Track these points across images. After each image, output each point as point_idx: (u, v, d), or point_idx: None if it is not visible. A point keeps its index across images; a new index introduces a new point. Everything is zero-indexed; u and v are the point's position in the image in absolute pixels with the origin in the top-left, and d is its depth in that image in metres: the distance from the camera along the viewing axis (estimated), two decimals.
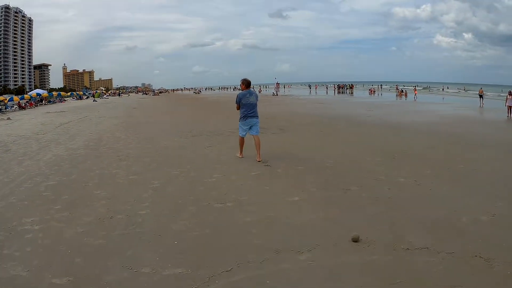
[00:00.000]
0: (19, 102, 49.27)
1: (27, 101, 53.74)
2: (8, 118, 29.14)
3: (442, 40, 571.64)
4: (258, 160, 9.60)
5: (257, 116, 9.89)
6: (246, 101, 9.66)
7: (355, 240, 4.74)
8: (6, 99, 49.19)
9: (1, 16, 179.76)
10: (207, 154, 10.87)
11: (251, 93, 9.81)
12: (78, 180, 8.29)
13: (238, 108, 9.88)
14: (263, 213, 5.83)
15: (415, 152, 10.77)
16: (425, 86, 79.04)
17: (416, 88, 57.06)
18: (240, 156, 10.11)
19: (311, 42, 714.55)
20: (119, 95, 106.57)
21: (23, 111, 42.05)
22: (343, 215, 5.70)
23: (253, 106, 9.76)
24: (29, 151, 12.25)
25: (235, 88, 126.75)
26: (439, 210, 5.81)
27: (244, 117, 9.74)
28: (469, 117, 23.25)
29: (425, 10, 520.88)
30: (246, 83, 9.87)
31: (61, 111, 35.91)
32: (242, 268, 4.13)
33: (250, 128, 9.79)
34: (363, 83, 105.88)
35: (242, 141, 10.10)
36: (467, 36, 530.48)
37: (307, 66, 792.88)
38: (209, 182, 7.76)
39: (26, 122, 24.77)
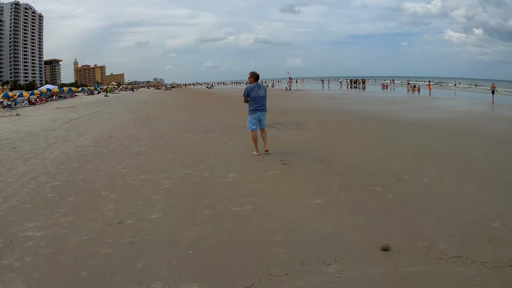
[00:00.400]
0: (29, 97, 49.20)
1: (37, 97, 53.78)
2: (17, 114, 29.01)
3: (453, 35, 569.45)
4: (265, 150, 9.80)
5: (266, 110, 9.93)
6: (255, 94, 9.65)
7: (385, 249, 4.32)
8: (15, 95, 49.03)
9: (11, 12, 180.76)
10: (222, 151, 10.42)
11: (259, 86, 9.80)
12: (85, 180, 7.90)
13: (246, 101, 9.89)
14: (285, 218, 5.37)
15: (436, 150, 10.18)
16: (437, 81, 77.43)
17: (430, 83, 55.91)
18: (257, 154, 9.77)
19: (322, 37, 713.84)
20: (132, 90, 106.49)
21: (33, 107, 41.99)
22: (369, 220, 5.24)
23: (262, 99, 9.76)
24: (35, 149, 11.93)
25: (247, 82, 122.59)
26: (468, 214, 5.39)
27: (253, 110, 9.71)
28: (485, 113, 22.55)
29: (436, 5, 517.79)
30: (255, 76, 9.89)
31: (72, 107, 35.77)
32: (264, 283, 3.69)
33: (258, 121, 9.80)
34: (374, 78, 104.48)
35: (255, 136, 9.90)
36: (478, 31, 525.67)
37: (319, 61, 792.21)
38: (224, 182, 7.31)
39: (35, 118, 24.51)
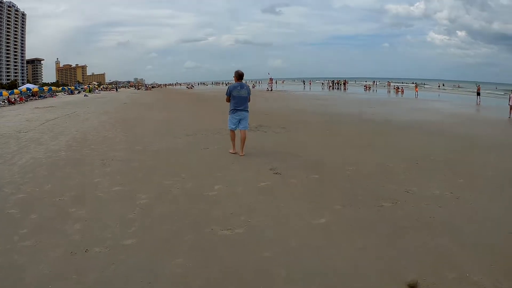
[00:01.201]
0: (8, 97, 47.29)
1: (17, 96, 51.88)
2: None
3: (436, 37, 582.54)
4: (241, 154, 9.38)
5: (247, 110, 9.55)
6: (237, 94, 9.33)
7: (413, 286, 3.43)
8: None
9: None
10: (205, 157, 9.38)
11: (242, 86, 9.44)
12: (52, 192, 6.77)
13: (228, 100, 9.53)
14: (285, 244, 4.41)
15: (438, 157, 9.42)
16: (420, 82, 77.50)
17: (417, 85, 55.73)
18: (233, 152, 9.67)
19: (303, 38, 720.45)
20: (116, 90, 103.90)
21: (12, 106, 40.01)
22: (384, 245, 4.38)
23: (244, 99, 9.42)
24: (5, 153, 10.71)
25: (227, 83, 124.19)
26: (491, 233, 4.64)
27: (234, 110, 9.42)
28: (475, 116, 22.44)
29: (419, 7, 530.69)
30: (238, 75, 9.46)
31: (50, 106, 34.01)
32: None
33: (239, 122, 9.46)
34: (355, 79, 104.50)
35: (233, 135, 9.71)
36: (461, 33, 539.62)
37: (300, 61, 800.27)
38: (209, 196, 6.25)
39: (12, 119, 22.90)
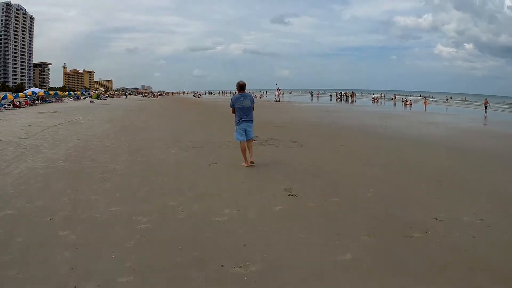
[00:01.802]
0: (13, 100, 46.98)
1: (22, 100, 51.69)
2: None
3: (443, 50, 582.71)
4: (251, 161, 9.35)
5: (252, 121, 9.50)
6: (240, 105, 9.28)
7: None
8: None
9: (2, 13, 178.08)
10: (213, 174, 8.66)
11: (245, 96, 9.38)
12: (44, 209, 6.15)
13: (234, 112, 9.45)
14: None
15: (460, 176, 8.75)
16: (427, 95, 76.69)
17: (426, 99, 55.09)
18: (246, 165, 9.37)
19: (311, 49, 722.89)
20: (126, 97, 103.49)
21: (17, 110, 39.96)
22: (422, 286, 3.71)
23: (248, 109, 9.36)
24: (1, 161, 10.20)
25: (234, 93, 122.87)
26: None
27: (239, 121, 9.32)
28: (488, 130, 22.02)
29: (427, 19, 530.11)
30: (239, 86, 9.44)
31: (55, 112, 33.70)
32: None
33: (245, 132, 9.31)
34: (361, 92, 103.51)
35: (243, 147, 9.46)
36: (468, 46, 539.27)
37: (307, 72, 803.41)
38: (218, 222, 5.51)
39: (14, 123, 22.57)
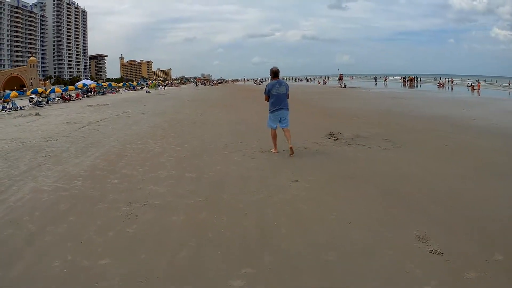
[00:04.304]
0: (62, 94, 46.70)
1: (73, 93, 51.79)
2: (37, 114, 26.30)
3: (499, 33, 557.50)
4: (290, 147, 9.00)
5: (287, 108, 9.37)
6: (275, 92, 9.15)
7: None
8: (46, 91, 46.79)
9: (54, 8, 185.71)
10: (297, 205, 5.72)
11: (280, 83, 9.27)
12: (23, 281, 3.78)
13: (267, 99, 9.38)
14: None
15: None
16: (486, 80, 69.69)
17: (480, 84, 49.82)
18: (275, 151, 9.39)
19: (369, 34, 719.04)
20: (196, 85, 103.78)
21: (65, 104, 39.79)
22: None
23: (283, 97, 9.24)
24: (5, 177, 8.19)
25: (296, 79, 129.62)
26: None
27: (274, 110, 9.23)
28: None
29: (481, 1, 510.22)
30: (273, 73, 9.31)
31: (104, 104, 32.69)
32: None
33: (280, 121, 9.28)
34: (420, 76, 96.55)
35: (274, 134, 9.46)
36: None
37: (366, 57, 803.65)
38: None
39: (52, 120, 21.17)
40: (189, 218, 5.33)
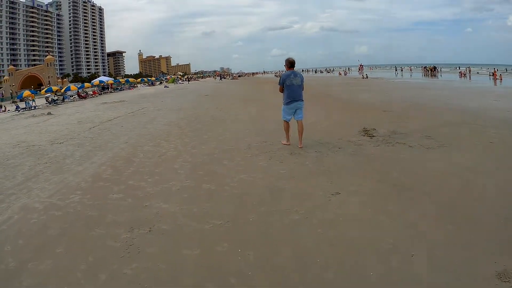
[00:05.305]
0: (78, 91, 46.27)
1: (89, 90, 51.75)
2: (49, 113, 25.63)
3: None
4: (299, 146, 8.82)
5: (302, 99, 9.09)
6: (290, 83, 8.90)
7: None
8: (61, 89, 46.67)
9: (70, 6, 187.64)
10: (344, 233, 4.45)
11: (295, 74, 9.00)
12: None
13: (281, 90, 9.20)
14: None
15: None
16: (503, 70, 67.14)
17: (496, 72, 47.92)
18: (287, 143, 9.19)
19: (387, 24, 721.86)
20: (221, 79, 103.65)
21: (81, 101, 39.44)
22: None
23: (298, 88, 8.97)
24: None
25: (316, 71, 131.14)
26: None
27: (289, 102, 9.00)
28: None
29: None
30: (289, 63, 9.07)
31: (120, 101, 31.76)
32: None
33: (294, 112, 9.05)
34: (440, 66, 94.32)
35: (287, 126, 9.32)
36: None
37: (384, 48, 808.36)
38: None
39: (63, 120, 20.35)
40: (206, 252, 4.16)
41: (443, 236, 4.14)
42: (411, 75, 62.93)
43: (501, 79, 41.13)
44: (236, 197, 5.84)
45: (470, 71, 60.56)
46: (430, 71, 65.19)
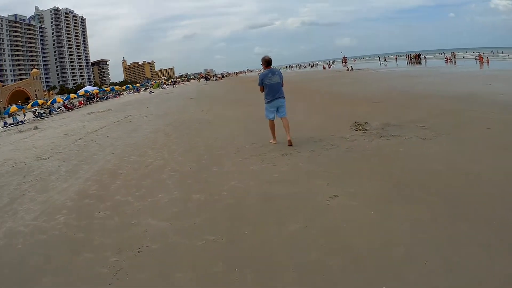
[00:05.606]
0: (64, 103, 45.71)
1: (76, 101, 50.99)
2: (35, 128, 25.19)
3: (499, 3, 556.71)
4: (288, 140, 8.68)
5: (283, 97, 9.03)
6: (269, 82, 8.87)
7: None
8: (47, 102, 46.18)
9: (52, 18, 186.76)
10: (350, 244, 4.06)
11: (273, 72, 8.96)
12: None
13: (262, 90, 9.16)
14: None
15: None
16: (489, 52, 66.69)
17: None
18: (274, 142, 9.13)
19: (368, 15, 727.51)
20: (206, 80, 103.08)
21: (67, 113, 38.95)
22: None
23: (277, 86, 8.93)
24: None
25: (299, 66, 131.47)
26: None
27: (269, 99, 8.94)
28: None
29: None
30: (266, 62, 9.01)
31: (106, 110, 31.54)
32: None
33: (277, 110, 8.99)
34: (423, 53, 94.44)
35: (272, 124, 9.25)
36: None
37: (366, 38, 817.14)
38: None
39: (49, 133, 20.02)
40: (200, 275, 3.77)
41: (456, 238, 3.82)
42: (397, 64, 62.59)
43: (488, 62, 41.05)
44: (228, 207, 5.46)
45: (455, 56, 60.50)
46: (414, 59, 65.14)
